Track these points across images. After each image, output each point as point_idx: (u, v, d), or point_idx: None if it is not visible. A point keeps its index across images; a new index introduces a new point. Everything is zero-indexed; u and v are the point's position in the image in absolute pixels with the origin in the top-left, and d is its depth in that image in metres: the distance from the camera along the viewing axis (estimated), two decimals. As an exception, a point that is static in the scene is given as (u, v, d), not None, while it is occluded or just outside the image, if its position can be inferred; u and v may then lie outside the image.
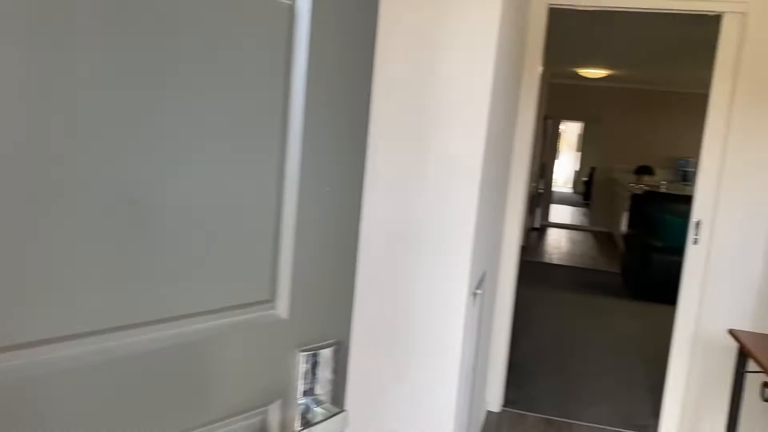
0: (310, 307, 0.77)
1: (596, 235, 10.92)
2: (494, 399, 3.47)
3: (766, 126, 2.92)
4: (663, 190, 8.54)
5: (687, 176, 10.03)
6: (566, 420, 3.40)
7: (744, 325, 3.01)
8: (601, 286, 6.91)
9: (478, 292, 2.31)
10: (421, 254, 2.14)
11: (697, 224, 3.12)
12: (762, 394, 2.08)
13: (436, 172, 2.11)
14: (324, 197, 0.78)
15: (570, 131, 17.16)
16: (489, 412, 3.44)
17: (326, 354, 0.79)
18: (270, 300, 0.74)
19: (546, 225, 11.43)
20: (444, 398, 2.19)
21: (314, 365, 0.78)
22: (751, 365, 2.16)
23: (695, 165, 9.68)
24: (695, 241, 3.13)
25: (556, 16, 3.39)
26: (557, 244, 9.83)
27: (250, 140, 0.71)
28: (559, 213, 13.38)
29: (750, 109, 2.93)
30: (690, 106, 9.75)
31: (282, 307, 0.75)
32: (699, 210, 3.11)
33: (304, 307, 0.76)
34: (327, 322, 0.79)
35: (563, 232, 11.14)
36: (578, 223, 12.22)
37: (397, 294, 2.18)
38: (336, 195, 0.79)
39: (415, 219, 2.14)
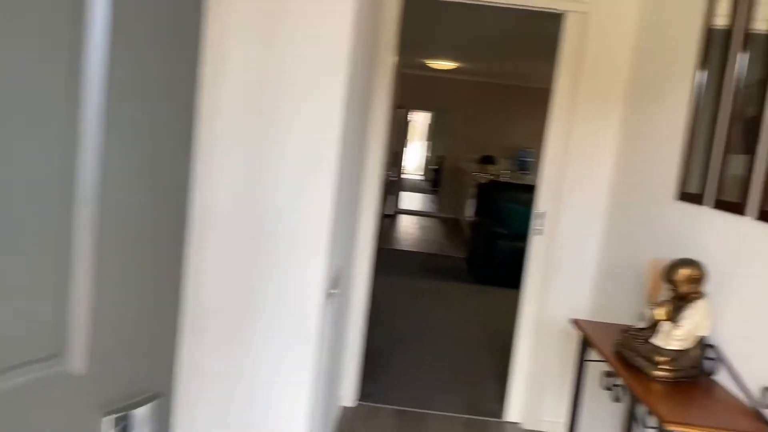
0: (118, 357, 0.59)
1: (444, 221, 11.31)
2: (349, 394, 3.40)
3: (606, 123, 3.08)
4: (505, 179, 9.00)
5: (525, 166, 10.67)
6: (418, 410, 3.41)
7: (582, 314, 3.18)
8: (448, 271, 7.13)
9: (334, 291, 2.20)
10: (273, 255, 1.97)
11: (541, 215, 3.23)
12: (601, 382, 2.16)
13: (289, 165, 1.95)
14: (135, 209, 0.60)
15: (420, 121, 17.65)
16: (344, 408, 3.36)
17: (141, 413, 0.62)
18: (57, 354, 0.55)
19: (398, 212, 11.65)
20: (297, 404, 2.06)
21: (125, 429, 0.60)
22: (593, 354, 2.24)
23: (533, 155, 10.36)
24: (538, 232, 3.25)
25: (407, 6, 3.34)
26: (408, 230, 10.04)
27: (20, 122, 0.51)
28: (410, 200, 13.70)
29: (591, 105, 3.07)
30: (529, 99, 10.34)
31: (76, 362, 0.56)
32: (542, 202, 3.23)
33: (108, 358, 0.58)
34: (142, 372, 0.61)
35: (414, 218, 11.42)
36: (428, 210, 12.59)
37: (247, 297, 2.00)
38: (152, 207, 0.62)
39: (266, 216, 1.97)
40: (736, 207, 1.88)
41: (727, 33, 2.06)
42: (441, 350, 4.41)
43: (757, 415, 1.65)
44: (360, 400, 3.45)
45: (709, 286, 1.96)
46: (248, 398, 2.07)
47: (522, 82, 10.45)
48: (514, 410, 3.39)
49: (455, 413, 3.43)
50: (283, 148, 1.94)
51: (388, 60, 3.24)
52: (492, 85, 10.79)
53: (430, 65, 9.40)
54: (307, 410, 2.04)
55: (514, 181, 8.30)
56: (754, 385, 1.71)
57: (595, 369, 2.70)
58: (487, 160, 10.47)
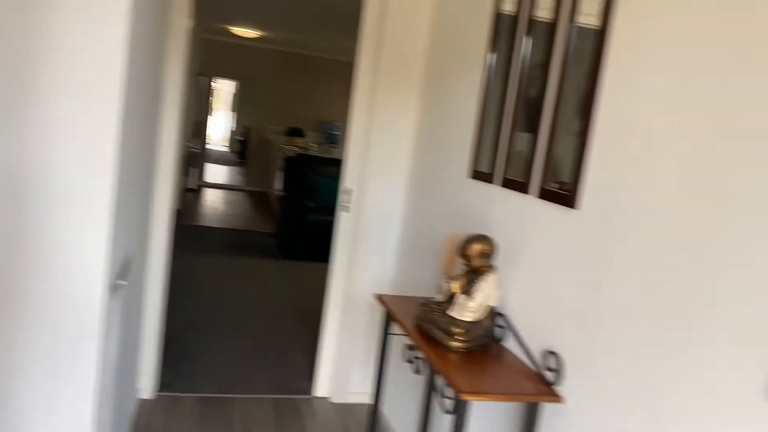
0: None
1: (252, 195, 11.04)
2: (147, 386, 3.15)
3: (408, 100, 3.14)
4: (313, 152, 8.99)
5: (333, 139, 10.76)
6: (224, 395, 3.28)
7: (388, 288, 3.26)
8: (257, 247, 6.97)
9: (122, 283, 1.97)
10: (41, 245, 1.70)
11: (347, 192, 3.23)
12: (403, 355, 2.22)
13: (59, 136, 1.68)
14: None
15: (225, 90, 16.94)
16: (142, 401, 3.12)
17: None
18: None
19: (202, 185, 11.12)
20: (81, 406, 1.83)
21: None
22: (396, 327, 2.29)
23: (340, 129, 10.47)
24: (345, 209, 3.25)
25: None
26: (214, 205, 9.64)
27: None
28: (216, 173, 13.16)
29: (393, 82, 3.11)
30: (337, 73, 10.40)
31: None
32: (349, 178, 3.22)
33: None
34: None
35: (220, 192, 10.99)
36: (235, 183, 12.19)
37: (9, 294, 1.72)
38: None
39: (34, 199, 1.69)
40: (521, 186, 2.01)
41: (514, 18, 2.17)
42: (249, 331, 4.29)
43: (539, 378, 1.79)
44: (159, 390, 3.22)
45: (499, 260, 2.08)
46: (25, 405, 1.79)
47: (329, 55, 10.46)
48: (322, 385, 3.40)
49: (263, 394, 3.35)
50: (50, 116, 1.68)
51: (182, 23, 2.99)
52: (299, 56, 10.67)
53: (234, 32, 9.01)
54: (93, 411, 1.83)
55: (323, 155, 8.32)
56: (536, 350, 1.86)
57: (400, 342, 2.78)
58: (295, 132, 10.37)
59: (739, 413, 1.15)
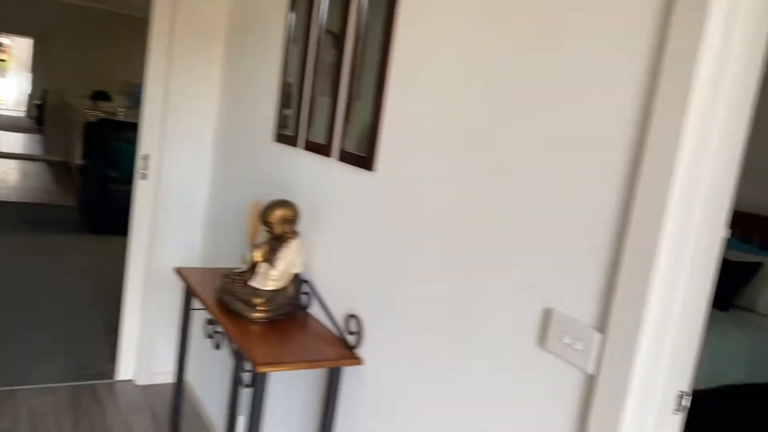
0: None
1: (52, 165, 9.96)
2: None
3: (209, 61, 2.94)
4: (122, 117, 8.29)
5: (144, 104, 10.00)
6: (7, 388, 2.91)
7: (195, 261, 3.08)
8: (57, 222, 6.32)
9: None
10: None
11: (145, 158, 2.99)
12: (205, 330, 2.11)
13: None
14: None
15: (20, 48, 15.03)
16: None
17: None
18: None
19: (-10, 155, 9.81)
20: None
21: None
22: (198, 303, 2.16)
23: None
24: (144, 176, 3.00)
25: None
26: (5, 176, 8.55)
27: None
28: (9, 140, 11.69)
29: (192, 41, 2.89)
30: (145, 32, 9.64)
31: None
32: (146, 144, 2.98)
33: None
34: None
35: (13, 162, 9.77)
36: (31, 152, 10.91)
37: None
38: None
39: None
40: (323, 149, 1.96)
41: (313, -24, 2.10)
42: (43, 314, 3.86)
43: (342, 342, 1.78)
44: (-76, 390, 2.78)
45: (303, 225, 2.03)
46: None
47: (136, 12, 9.64)
48: (126, 368, 3.16)
49: (57, 383, 3.03)
50: None
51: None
52: (102, 12, 9.71)
53: (20, -20, 7.95)
54: None
55: (129, 120, 7.68)
56: (340, 314, 1.85)
57: (202, 319, 2.65)
58: (100, 96, 9.47)
59: (514, 359, 1.22)
